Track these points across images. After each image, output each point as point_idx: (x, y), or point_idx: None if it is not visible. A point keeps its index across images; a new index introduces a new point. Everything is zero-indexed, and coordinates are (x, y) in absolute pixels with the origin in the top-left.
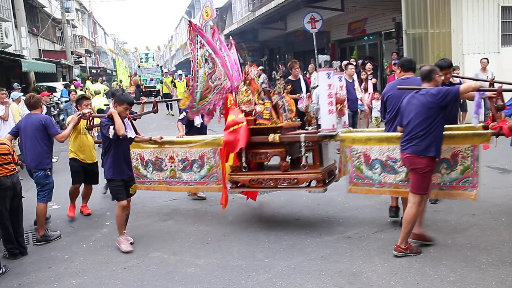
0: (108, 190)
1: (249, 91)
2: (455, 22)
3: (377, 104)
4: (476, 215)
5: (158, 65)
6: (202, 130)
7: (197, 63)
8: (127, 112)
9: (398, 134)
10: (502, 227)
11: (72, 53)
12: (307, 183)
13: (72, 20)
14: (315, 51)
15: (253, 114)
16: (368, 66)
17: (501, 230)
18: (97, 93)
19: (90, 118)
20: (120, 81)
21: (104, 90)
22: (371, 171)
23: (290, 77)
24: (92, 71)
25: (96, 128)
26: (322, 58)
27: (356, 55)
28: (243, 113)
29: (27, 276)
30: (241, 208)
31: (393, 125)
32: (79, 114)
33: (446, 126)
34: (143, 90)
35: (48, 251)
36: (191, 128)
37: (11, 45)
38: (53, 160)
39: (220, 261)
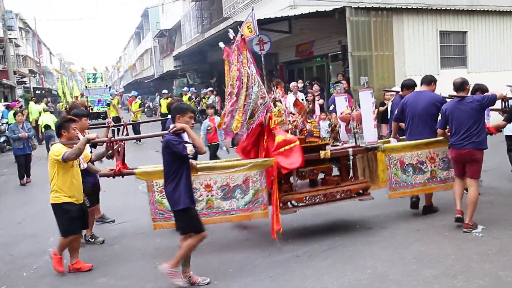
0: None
1: (282, 111)
2: (397, 45)
3: (324, 125)
4: (420, 230)
5: (107, 85)
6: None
7: (252, 79)
8: (193, 122)
9: (424, 141)
10: (445, 241)
11: (14, 72)
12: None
13: (15, 38)
14: (264, 73)
15: (297, 133)
16: (315, 87)
17: (444, 244)
18: (45, 110)
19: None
20: (67, 102)
21: (43, 110)
22: (405, 174)
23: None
24: (37, 91)
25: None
26: (364, 79)
27: (304, 76)
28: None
29: None
30: None
31: (409, 130)
32: (91, 138)
33: None
34: (91, 112)
35: None
36: None
37: None
38: None
39: (169, 285)
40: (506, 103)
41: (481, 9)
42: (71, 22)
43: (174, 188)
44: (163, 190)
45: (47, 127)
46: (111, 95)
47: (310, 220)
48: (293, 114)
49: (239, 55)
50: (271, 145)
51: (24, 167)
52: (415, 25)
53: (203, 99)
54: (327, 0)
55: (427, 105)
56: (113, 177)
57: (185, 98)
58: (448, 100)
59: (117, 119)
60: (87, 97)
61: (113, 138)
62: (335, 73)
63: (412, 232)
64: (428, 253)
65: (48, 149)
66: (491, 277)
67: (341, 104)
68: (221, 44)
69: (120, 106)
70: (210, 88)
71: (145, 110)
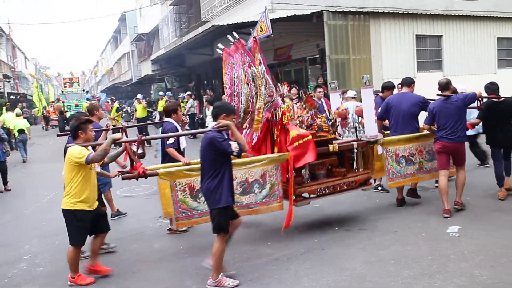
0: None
1: (290, 107)
2: (374, 49)
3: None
4: (398, 231)
5: (84, 90)
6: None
7: (264, 80)
8: (236, 123)
9: (415, 135)
10: (422, 242)
11: None
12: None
13: None
14: None
15: (304, 127)
16: (293, 91)
17: (421, 245)
18: (18, 114)
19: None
20: (45, 107)
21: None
22: (399, 166)
23: None
24: (11, 97)
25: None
26: (366, 77)
27: (282, 80)
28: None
29: None
30: (168, 235)
31: (394, 127)
32: (116, 139)
33: None
34: (67, 118)
35: None
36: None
37: None
38: None
39: None
40: (482, 101)
41: (456, 14)
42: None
43: (216, 185)
44: (186, 189)
45: (20, 131)
46: (87, 99)
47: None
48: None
49: (246, 56)
50: (284, 140)
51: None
52: (392, 29)
53: (182, 103)
54: (305, 4)
55: (410, 105)
56: (137, 179)
57: (161, 103)
58: (430, 100)
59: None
60: (63, 102)
61: (143, 137)
62: (313, 76)
63: (390, 233)
64: (405, 254)
65: (24, 154)
66: (467, 276)
67: (336, 100)
68: (220, 46)
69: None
70: (188, 92)
71: (123, 114)
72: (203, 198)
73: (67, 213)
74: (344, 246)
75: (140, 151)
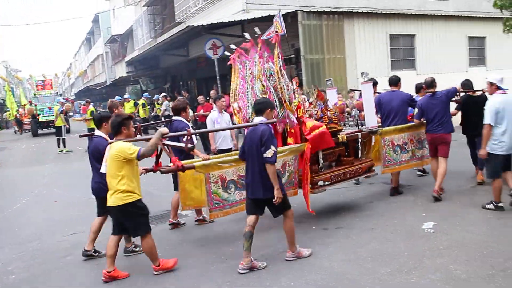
0: None
1: (301, 102)
2: (348, 48)
3: None
4: (375, 229)
5: (57, 92)
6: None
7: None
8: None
9: (407, 125)
10: (399, 238)
11: None
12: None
13: None
14: (217, 78)
15: (318, 119)
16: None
17: (397, 242)
18: None
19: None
20: (17, 111)
21: None
22: (395, 154)
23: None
24: None
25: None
26: (365, 73)
27: None
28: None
29: None
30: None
31: (387, 121)
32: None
33: None
34: (40, 121)
35: None
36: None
37: None
38: None
39: None
40: (459, 95)
41: (428, 14)
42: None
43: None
44: (218, 180)
45: None
46: (58, 102)
47: (266, 223)
48: None
49: (265, 51)
50: (299, 131)
51: None
52: (366, 28)
53: (157, 105)
54: (279, 5)
55: (400, 102)
56: (175, 173)
57: (128, 105)
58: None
59: (60, 130)
60: (35, 105)
61: (192, 130)
62: (288, 76)
63: (367, 231)
64: (382, 251)
65: None
66: (442, 271)
67: (333, 96)
68: (247, 35)
69: (71, 114)
70: (163, 94)
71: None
72: (233, 189)
73: (129, 207)
74: (322, 244)
75: (190, 144)
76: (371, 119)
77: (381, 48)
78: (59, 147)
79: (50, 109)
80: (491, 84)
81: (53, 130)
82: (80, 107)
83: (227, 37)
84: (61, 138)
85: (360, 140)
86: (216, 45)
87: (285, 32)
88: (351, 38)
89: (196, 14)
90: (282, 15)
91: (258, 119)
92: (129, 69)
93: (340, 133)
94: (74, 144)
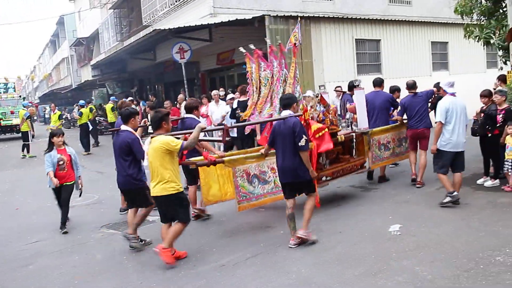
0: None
1: (306, 106)
2: (316, 52)
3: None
4: (342, 232)
5: (20, 96)
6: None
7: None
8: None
9: (390, 126)
10: (366, 241)
11: None
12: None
13: None
14: (185, 82)
15: (320, 122)
16: (237, 94)
17: (365, 244)
18: None
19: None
20: None
21: None
22: (379, 151)
23: (241, 98)
24: None
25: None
26: (359, 81)
27: (225, 84)
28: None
29: None
30: (110, 244)
31: (371, 118)
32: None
33: None
34: (1, 126)
35: None
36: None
37: None
38: None
39: None
40: (434, 96)
41: (393, 19)
42: None
43: (299, 162)
44: (243, 175)
45: None
46: (24, 106)
47: (234, 228)
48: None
49: (283, 59)
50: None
51: None
52: (332, 33)
53: None
54: (247, 9)
55: (383, 102)
56: (208, 166)
57: (84, 111)
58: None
59: (26, 135)
60: None
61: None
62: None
63: (334, 234)
64: (350, 254)
65: None
66: (408, 273)
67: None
68: (252, 46)
69: (35, 118)
70: (130, 98)
71: (63, 122)
72: (256, 183)
73: (174, 197)
74: (289, 249)
75: (229, 138)
76: (363, 121)
77: (347, 53)
78: (23, 151)
79: (12, 113)
80: (441, 88)
81: (15, 135)
82: (44, 111)
83: (195, 41)
84: (27, 143)
85: (354, 140)
86: (184, 49)
87: (301, 42)
88: (318, 43)
89: (163, 18)
90: (249, 19)
91: (286, 112)
92: (95, 72)
93: (338, 134)
94: (38, 149)
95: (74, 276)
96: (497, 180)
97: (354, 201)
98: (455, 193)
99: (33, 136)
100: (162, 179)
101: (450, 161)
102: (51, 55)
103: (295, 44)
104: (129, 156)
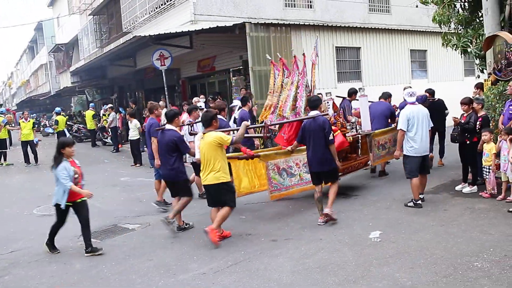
0: None
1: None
2: None
3: None
4: (323, 239)
5: None
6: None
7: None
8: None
9: (388, 128)
10: (346, 248)
11: None
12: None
13: None
14: (165, 88)
15: (332, 124)
16: (218, 102)
17: (345, 252)
18: None
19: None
20: None
21: None
22: (378, 150)
23: (244, 108)
24: None
25: None
26: (362, 89)
27: (206, 91)
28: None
29: None
30: (87, 257)
31: (373, 123)
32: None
33: None
34: None
35: None
36: None
37: None
38: None
39: None
40: (428, 100)
41: (373, 27)
42: None
43: (329, 153)
44: (274, 168)
45: None
46: (1, 113)
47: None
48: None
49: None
50: None
51: None
52: (312, 40)
53: (104, 116)
54: (227, 16)
55: (383, 110)
56: (246, 159)
57: (60, 119)
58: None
59: (3, 142)
60: None
61: (269, 122)
62: (237, 87)
63: (315, 241)
64: (331, 261)
65: None
66: (388, 279)
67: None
68: (278, 54)
69: (13, 125)
70: (110, 105)
71: (41, 129)
72: (285, 176)
73: (223, 185)
74: (271, 256)
75: (269, 134)
76: (367, 125)
77: (327, 60)
78: (0, 159)
79: None
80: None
81: None
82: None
83: (176, 48)
84: (4, 151)
85: (360, 141)
86: (164, 55)
87: (317, 54)
88: (298, 50)
89: (144, 24)
90: (230, 26)
91: (314, 112)
92: (75, 79)
93: (347, 135)
94: (15, 157)
95: (52, 286)
96: (475, 187)
97: (334, 208)
98: (419, 202)
99: (10, 143)
100: (214, 169)
101: (417, 165)
102: (29, 61)
103: (317, 55)
104: (175, 153)
